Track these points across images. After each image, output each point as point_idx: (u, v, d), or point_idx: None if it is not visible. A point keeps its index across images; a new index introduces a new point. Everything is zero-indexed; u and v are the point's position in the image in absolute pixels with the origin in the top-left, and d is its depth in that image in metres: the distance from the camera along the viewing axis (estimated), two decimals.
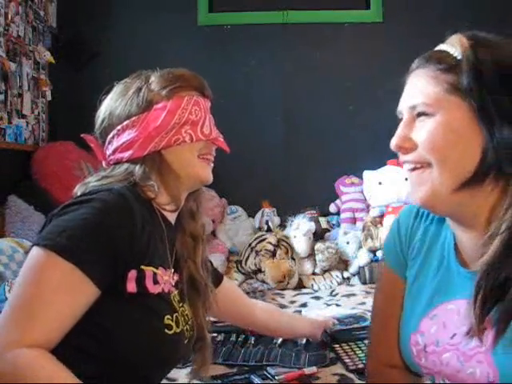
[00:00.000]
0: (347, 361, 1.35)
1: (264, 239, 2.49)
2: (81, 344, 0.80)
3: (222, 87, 2.92)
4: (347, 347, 1.44)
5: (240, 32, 2.91)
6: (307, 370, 1.28)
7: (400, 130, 0.79)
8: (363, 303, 2.01)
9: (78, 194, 0.90)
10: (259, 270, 2.41)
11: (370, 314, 1.75)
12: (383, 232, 2.43)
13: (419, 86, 0.77)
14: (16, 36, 2.44)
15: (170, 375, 1.29)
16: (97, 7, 2.90)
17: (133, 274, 0.83)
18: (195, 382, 1.27)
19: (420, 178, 0.77)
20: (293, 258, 2.47)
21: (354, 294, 2.19)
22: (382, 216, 2.59)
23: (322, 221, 2.73)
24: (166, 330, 0.87)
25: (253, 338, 1.52)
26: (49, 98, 2.81)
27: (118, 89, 0.99)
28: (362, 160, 2.78)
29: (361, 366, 1.32)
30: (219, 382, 1.25)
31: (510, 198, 0.72)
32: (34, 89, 2.67)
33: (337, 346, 1.45)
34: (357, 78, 2.88)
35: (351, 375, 1.28)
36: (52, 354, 0.74)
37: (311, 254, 2.52)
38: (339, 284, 2.41)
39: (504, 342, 0.70)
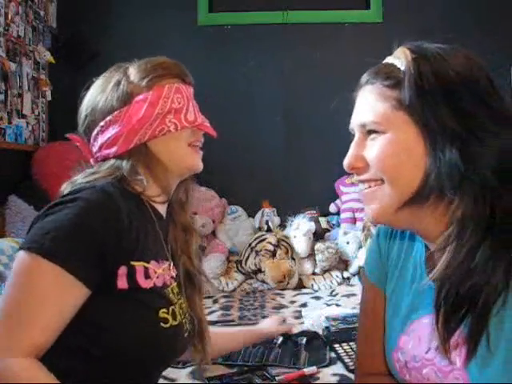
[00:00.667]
0: (347, 361, 1.35)
1: (264, 239, 2.49)
2: (76, 343, 0.79)
3: (222, 87, 2.94)
4: (347, 347, 1.44)
5: (240, 32, 2.91)
6: (307, 370, 1.29)
7: (352, 150, 0.78)
8: None
9: (65, 192, 0.88)
10: (259, 270, 2.41)
11: None
12: None
13: (368, 103, 0.76)
14: (16, 36, 2.44)
15: (170, 375, 1.30)
16: (97, 7, 2.90)
17: (123, 270, 0.82)
18: (195, 381, 1.27)
19: (372, 195, 0.76)
20: (293, 258, 2.47)
21: (353, 294, 2.19)
22: None
23: (322, 221, 2.73)
24: (162, 324, 0.86)
25: None
26: (49, 98, 2.81)
27: (97, 84, 0.97)
28: None
29: None
30: (218, 382, 1.25)
31: (452, 214, 0.70)
32: (34, 89, 2.67)
33: (337, 345, 1.46)
34: (357, 77, 2.88)
35: (351, 375, 1.28)
36: (45, 357, 0.74)
37: (311, 254, 2.52)
38: (339, 284, 2.41)
39: (477, 359, 0.68)
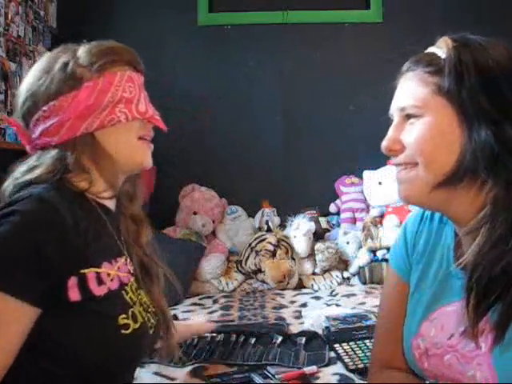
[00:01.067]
0: (347, 360, 1.35)
1: (264, 239, 2.49)
2: (33, 363, 0.75)
3: (222, 87, 2.93)
4: (347, 347, 1.44)
5: (240, 32, 2.91)
6: (307, 370, 1.29)
7: (390, 133, 0.81)
8: (363, 303, 2.02)
9: (8, 190, 0.84)
10: (259, 270, 2.41)
11: (371, 313, 1.76)
12: (383, 232, 2.43)
13: (409, 89, 0.79)
14: (16, 36, 2.44)
15: (170, 374, 1.30)
16: (97, 7, 2.90)
17: (73, 281, 0.76)
18: (195, 380, 1.27)
19: (406, 176, 0.79)
20: (293, 258, 2.47)
21: (354, 294, 2.19)
22: (382, 216, 2.58)
23: (322, 221, 2.73)
24: (123, 331, 0.82)
25: (253, 340, 1.52)
26: None
27: (40, 64, 0.89)
28: (362, 160, 2.78)
29: (361, 365, 1.32)
30: (219, 380, 1.25)
31: (485, 196, 0.73)
32: None
33: (337, 345, 1.45)
34: (357, 77, 2.89)
35: (351, 375, 1.28)
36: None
37: (311, 254, 2.52)
38: (339, 284, 2.41)
39: (502, 345, 0.69)
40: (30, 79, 0.89)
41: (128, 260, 0.91)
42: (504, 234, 0.70)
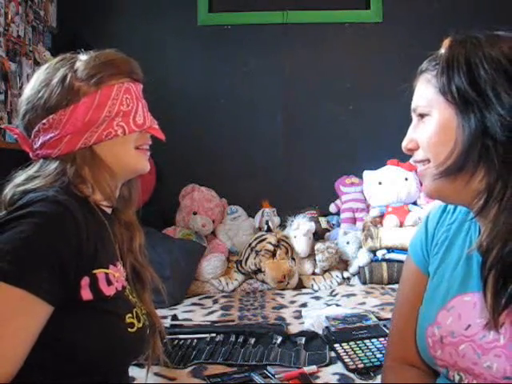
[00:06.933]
0: (347, 360, 1.35)
1: (264, 239, 2.49)
2: (45, 362, 0.77)
3: (222, 87, 2.94)
4: (347, 347, 1.44)
5: (240, 32, 2.91)
6: (307, 369, 1.29)
7: (408, 133, 0.85)
8: (363, 303, 2.01)
9: (8, 196, 0.85)
10: (259, 270, 2.41)
11: (371, 313, 1.76)
12: (383, 232, 2.43)
13: (419, 90, 0.83)
14: (16, 36, 2.44)
15: (169, 375, 1.30)
16: (97, 7, 2.90)
17: (86, 280, 0.79)
18: (195, 381, 1.27)
19: (423, 173, 0.83)
20: (293, 258, 2.46)
21: (353, 294, 2.19)
22: (382, 216, 2.58)
23: (322, 221, 2.73)
24: (129, 329, 0.85)
25: (253, 340, 1.53)
26: None
27: (40, 77, 0.90)
28: (362, 160, 2.78)
29: (361, 365, 1.32)
30: (219, 380, 1.25)
31: (480, 184, 0.76)
32: None
33: (337, 345, 1.46)
34: (357, 78, 2.89)
35: (351, 375, 1.29)
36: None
37: (311, 254, 2.52)
38: (339, 284, 2.41)
39: None
40: (29, 91, 0.90)
41: (121, 265, 0.93)
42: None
